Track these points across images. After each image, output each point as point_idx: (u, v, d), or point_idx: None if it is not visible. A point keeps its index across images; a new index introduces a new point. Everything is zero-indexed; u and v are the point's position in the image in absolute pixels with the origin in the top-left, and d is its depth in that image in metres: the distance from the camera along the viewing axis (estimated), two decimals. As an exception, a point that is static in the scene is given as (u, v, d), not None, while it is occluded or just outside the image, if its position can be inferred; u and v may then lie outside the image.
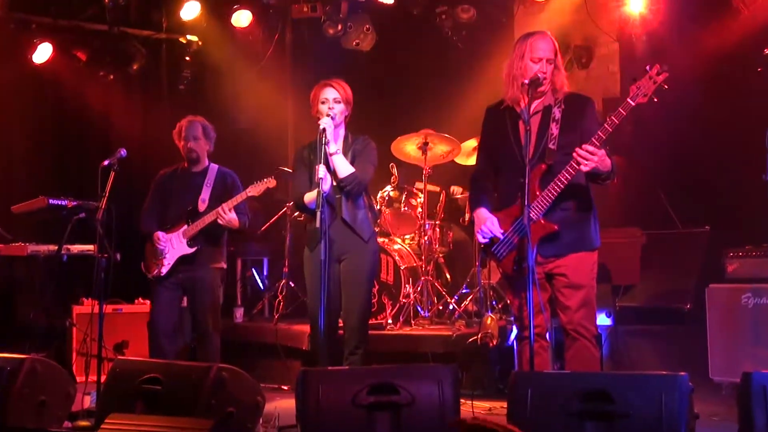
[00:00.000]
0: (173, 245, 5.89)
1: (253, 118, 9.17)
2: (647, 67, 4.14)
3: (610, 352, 6.49)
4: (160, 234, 5.88)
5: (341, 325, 5.30)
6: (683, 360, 6.13)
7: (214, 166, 6.12)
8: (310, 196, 5.14)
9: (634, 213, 7.38)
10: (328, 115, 5.04)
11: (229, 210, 5.76)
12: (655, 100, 4.14)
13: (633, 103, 4.14)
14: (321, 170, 4.89)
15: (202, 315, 5.92)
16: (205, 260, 5.94)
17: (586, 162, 4.12)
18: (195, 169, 6.07)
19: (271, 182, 5.83)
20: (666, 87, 4.13)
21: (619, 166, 4.36)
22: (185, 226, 5.89)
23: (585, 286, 4.38)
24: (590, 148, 4.11)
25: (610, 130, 4.13)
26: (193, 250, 5.87)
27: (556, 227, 4.30)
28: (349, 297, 5.22)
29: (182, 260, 5.88)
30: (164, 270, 5.86)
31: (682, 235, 6.89)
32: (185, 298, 6.13)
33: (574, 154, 4.14)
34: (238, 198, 5.81)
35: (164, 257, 5.86)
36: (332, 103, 5.15)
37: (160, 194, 6.10)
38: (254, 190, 5.81)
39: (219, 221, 5.77)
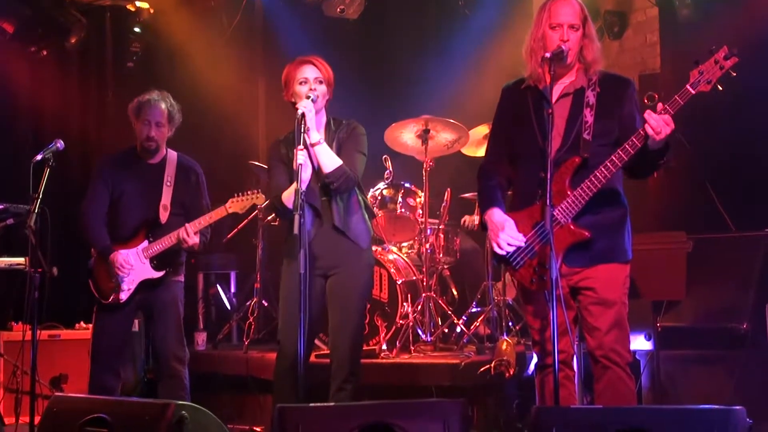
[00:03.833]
0: (134, 265, 5.78)
1: (217, 103, 9.19)
2: (713, 49, 4.15)
3: (651, 382, 6.51)
4: (121, 257, 5.72)
5: (325, 352, 5.30)
6: (739, 391, 6.15)
7: (173, 155, 6.01)
8: (288, 194, 5.08)
9: (677, 213, 7.40)
10: (308, 97, 5.02)
11: (195, 233, 5.70)
12: (720, 88, 4.15)
13: (693, 91, 4.13)
14: (300, 156, 4.77)
15: (165, 342, 5.86)
16: (166, 276, 5.88)
17: (661, 130, 4.08)
18: (151, 160, 5.96)
19: (258, 197, 5.72)
20: (734, 74, 4.14)
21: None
22: (145, 242, 5.80)
23: (616, 302, 4.40)
24: (666, 117, 4.09)
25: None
26: (161, 274, 5.81)
27: (587, 234, 4.31)
28: (339, 320, 5.19)
29: (144, 283, 5.80)
30: (124, 296, 5.76)
31: (737, 239, 6.89)
32: (136, 322, 6.11)
33: (646, 115, 4.11)
34: (212, 216, 5.74)
35: (123, 281, 5.75)
36: (314, 84, 5.14)
37: (109, 190, 5.92)
38: (236, 205, 5.73)
39: (182, 245, 5.72)
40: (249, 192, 5.75)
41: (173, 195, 5.89)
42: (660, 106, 4.13)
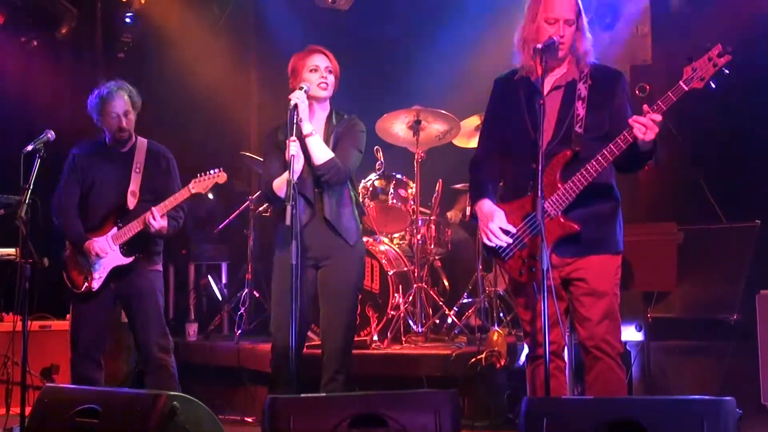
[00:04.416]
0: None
1: (209, 93, 9.16)
2: (707, 46, 4.15)
3: (641, 373, 6.53)
4: (97, 245, 5.73)
5: (317, 343, 5.30)
6: (729, 382, 6.17)
7: (143, 142, 5.98)
8: (279, 182, 5.10)
9: (669, 205, 7.40)
10: (300, 88, 5.02)
11: (162, 216, 5.68)
12: (713, 86, 4.15)
13: (686, 88, 4.14)
14: (293, 147, 4.82)
15: (148, 332, 5.84)
16: (141, 264, 5.87)
17: (647, 131, 4.09)
18: (120, 149, 5.94)
19: (220, 176, 5.72)
20: (727, 72, 4.14)
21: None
22: (114, 229, 5.79)
23: (608, 293, 4.41)
24: (656, 117, 4.09)
25: None
26: (129, 260, 5.79)
27: (577, 227, 4.32)
28: (330, 311, 5.20)
29: (116, 270, 5.81)
30: (96, 284, 5.76)
31: (728, 230, 6.91)
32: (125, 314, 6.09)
33: (631, 121, 4.12)
34: (177, 198, 5.72)
35: (93, 269, 5.76)
36: (324, 72, 5.16)
37: (79, 180, 5.92)
38: (198, 186, 5.71)
39: (149, 229, 5.70)
40: (211, 172, 5.73)
41: (142, 181, 5.87)
42: (646, 107, 4.13)
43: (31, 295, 5.39)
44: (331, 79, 5.19)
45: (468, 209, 7.53)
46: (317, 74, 5.14)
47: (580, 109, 4.40)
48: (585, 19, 4.52)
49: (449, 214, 8.13)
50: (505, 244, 4.43)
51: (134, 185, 5.85)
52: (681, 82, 4.14)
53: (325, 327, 5.23)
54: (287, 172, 4.82)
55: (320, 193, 5.14)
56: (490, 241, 4.45)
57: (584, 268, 4.41)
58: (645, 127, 4.10)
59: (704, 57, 4.13)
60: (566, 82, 4.49)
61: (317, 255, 5.15)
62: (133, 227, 5.74)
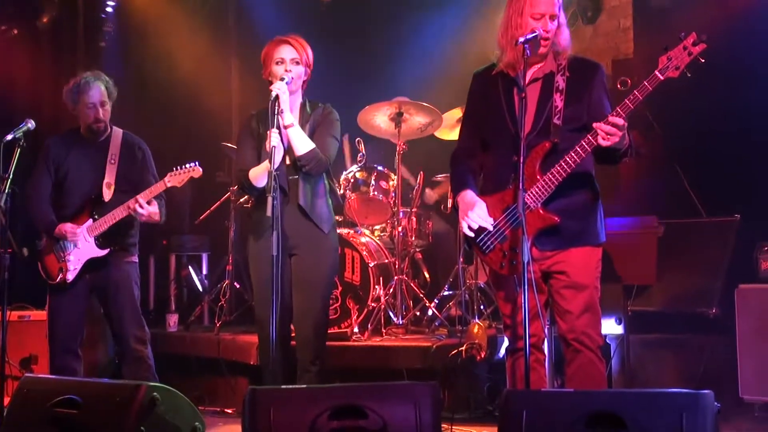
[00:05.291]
0: (78, 244, 5.76)
1: (190, 83, 9.14)
2: (681, 35, 4.17)
3: (621, 366, 6.55)
4: (68, 226, 5.71)
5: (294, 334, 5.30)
6: (708, 375, 6.21)
7: (118, 133, 5.96)
8: (256, 172, 5.11)
9: (649, 199, 7.43)
10: (282, 79, 5.02)
11: (148, 203, 5.65)
12: (689, 75, 4.17)
13: (662, 77, 4.16)
14: (274, 137, 4.81)
15: (123, 324, 5.83)
16: (117, 256, 5.85)
17: (609, 137, 4.14)
18: (95, 138, 5.91)
19: (195, 171, 5.69)
20: (702, 60, 4.16)
21: (634, 142, 4.40)
22: (90, 221, 5.76)
23: (588, 286, 4.42)
24: (618, 121, 4.12)
25: (632, 107, 4.14)
26: (104, 252, 5.77)
27: (557, 219, 4.33)
28: (303, 300, 5.20)
29: (91, 262, 5.79)
30: (70, 276, 5.74)
31: (707, 225, 6.95)
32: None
33: (596, 125, 4.14)
34: (153, 191, 5.69)
35: (68, 260, 5.74)
36: (290, 65, 5.14)
37: (51, 170, 5.88)
38: (174, 179, 5.69)
39: (138, 218, 5.70)
40: (187, 165, 5.71)
41: (118, 172, 5.86)
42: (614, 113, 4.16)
43: (10, 285, 5.37)
44: (298, 70, 5.16)
45: (450, 201, 7.55)
46: (282, 67, 5.13)
47: (558, 100, 4.41)
48: (565, 14, 4.54)
49: (428, 191, 8.11)
50: (481, 224, 4.42)
51: (109, 177, 5.83)
52: (656, 72, 4.16)
53: (297, 316, 5.22)
54: (266, 162, 4.83)
55: (296, 182, 5.14)
56: (471, 228, 4.45)
57: (565, 261, 4.42)
58: (607, 133, 4.12)
59: (679, 46, 4.15)
60: (544, 74, 4.50)
61: (291, 243, 5.14)
62: (110, 219, 5.72)
